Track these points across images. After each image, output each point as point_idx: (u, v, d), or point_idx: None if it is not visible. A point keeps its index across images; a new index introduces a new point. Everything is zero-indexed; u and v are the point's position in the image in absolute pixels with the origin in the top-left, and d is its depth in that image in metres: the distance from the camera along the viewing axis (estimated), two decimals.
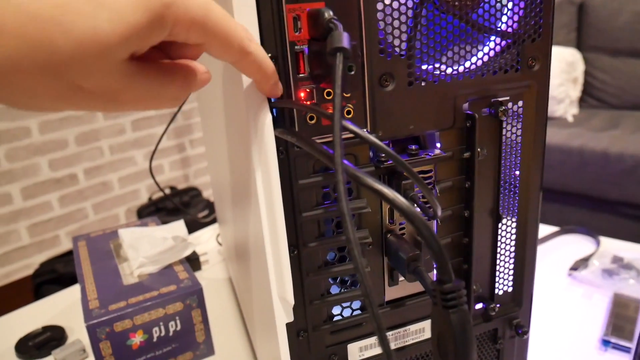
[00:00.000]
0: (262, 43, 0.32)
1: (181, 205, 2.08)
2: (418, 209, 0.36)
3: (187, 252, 0.73)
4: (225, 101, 0.41)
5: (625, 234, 1.54)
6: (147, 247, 0.73)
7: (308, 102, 0.34)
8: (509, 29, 0.38)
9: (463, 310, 0.27)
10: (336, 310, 0.41)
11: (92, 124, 2.03)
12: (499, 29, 0.38)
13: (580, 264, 0.82)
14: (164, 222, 0.90)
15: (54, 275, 1.60)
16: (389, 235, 0.40)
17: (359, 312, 0.42)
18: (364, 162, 0.37)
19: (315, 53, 0.33)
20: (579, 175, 1.56)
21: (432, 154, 0.39)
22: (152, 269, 0.70)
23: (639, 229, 1.57)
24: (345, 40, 0.26)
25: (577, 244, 0.91)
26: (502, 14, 0.38)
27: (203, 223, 1.98)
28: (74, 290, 0.86)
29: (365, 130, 0.36)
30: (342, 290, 0.41)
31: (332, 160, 0.26)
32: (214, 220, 1.05)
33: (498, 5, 0.37)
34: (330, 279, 0.40)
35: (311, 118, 0.34)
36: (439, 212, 0.33)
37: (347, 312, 0.41)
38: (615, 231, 1.57)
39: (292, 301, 0.37)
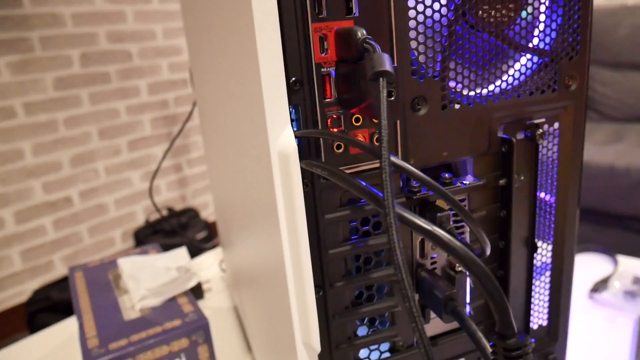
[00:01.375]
0: (286, 65, 0.29)
1: (179, 227, 2.04)
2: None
3: (192, 284, 0.69)
4: (236, 120, 0.38)
5: (633, 248, 1.52)
6: (149, 279, 0.70)
7: (335, 130, 0.31)
8: (546, 47, 0.36)
9: None
10: (363, 353, 0.38)
11: (87, 145, 1.99)
12: (535, 47, 0.35)
13: (600, 286, 0.78)
14: (162, 245, 0.87)
15: (49, 303, 1.55)
16: (420, 270, 0.37)
17: (387, 354, 0.38)
18: (394, 193, 0.34)
19: (343, 76, 0.30)
20: (585, 190, 1.54)
21: (467, 183, 0.36)
22: (154, 302, 0.66)
23: None
24: (387, 63, 0.23)
25: (593, 264, 0.88)
26: (539, 31, 0.35)
27: (202, 244, 1.94)
28: (71, 323, 0.82)
29: (398, 158, 0.32)
30: (370, 331, 0.37)
31: (379, 203, 0.23)
32: (212, 241, 1.01)
33: (535, 21, 0.35)
34: (357, 320, 0.37)
35: (338, 147, 0.31)
36: (488, 251, 0.30)
37: (375, 355, 0.38)
38: (623, 246, 1.54)
39: (318, 348, 0.33)
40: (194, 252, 1.03)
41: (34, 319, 1.51)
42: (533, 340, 0.44)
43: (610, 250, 0.89)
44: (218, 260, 0.97)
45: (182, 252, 0.80)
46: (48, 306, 1.54)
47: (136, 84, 2.13)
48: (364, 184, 0.25)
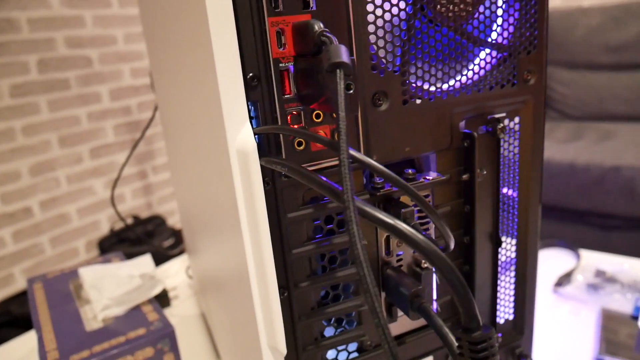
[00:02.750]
0: (242, 61, 0.28)
1: (145, 235, 2.00)
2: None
3: (157, 291, 0.67)
4: (195, 121, 0.37)
5: (595, 242, 1.56)
6: (111, 287, 0.68)
7: (296, 126, 0.30)
8: (504, 41, 0.36)
9: None
10: (331, 354, 0.37)
11: (46, 153, 1.93)
12: (494, 41, 0.36)
13: (564, 280, 0.80)
14: (128, 255, 0.84)
15: (9, 318, 1.49)
16: (386, 268, 0.36)
17: (355, 354, 0.38)
18: (357, 190, 0.34)
19: (302, 71, 0.29)
20: (547, 188, 1.58)
21: (430, 178, 0.35)
22: (117, 311, 0.64)
23: (606, 237, 1.59)
24: (344, 55, 0.22)
25: (556, 259, 0.90)
26: (497, 25, 0.35)
27: (169, 252, 1.90)
28: (30, 337, 0.78)
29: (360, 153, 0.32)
30: (337, 332, 0.37)
31: (339, 197, 0.22)
32: (180, 249, 0.99)
33: (493, 16, 0.35)
34: (324, 321, 0.36)
35: (299, 144, 0.30)
36: (452, 245, 0.30)
37: (343, 356, 0.37)
38: (584, 241, 1.58)
39: (284, 351, 0.33)
40: (162, 260, 1.00)
41: None
42: (500, 335, 0.44)
43: (573, 245, 0.91)
44: (184, 267, 0.95)
45: (146, 260, 0.78)
46: (8, 321, 1.48)
47: (97, 90, 2.07)
48: (324, 179, 0.25)
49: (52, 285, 0.75)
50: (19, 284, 1.87)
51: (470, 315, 0.22)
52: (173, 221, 2.40)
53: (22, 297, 1.64)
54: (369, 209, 0.22)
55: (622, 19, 1.94)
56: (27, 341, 0.77)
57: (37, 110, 1.89)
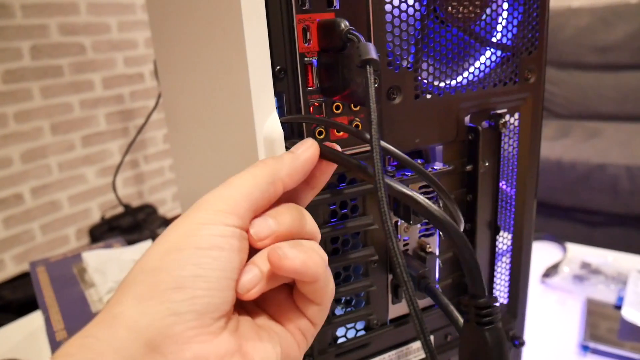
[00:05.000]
0: (272, 54, 0.30)
1: (136, 224, 2.00)
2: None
3: None
4: (219, 109, 0.39)
5: (579, 237, 1.60)
6: (116, 271, 0.69)
7: (317, 116, 0.32)
8: (508, 42, 0.39)
9: (498, 328, 0.26)
10: (340, 332, 0.39)
11: (38, 140, 1.92)
12: (498, 42, 0.38)
13: (552, 271, 0.83)
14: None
15: (1, 303, 1.50)
16: None
17: (363, 332, 0.40)
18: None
19: (325, 65, 0.31)
20: None
21: (437, 168, 0.38)
22: None
23: (590, 232, 1.64)
24: (373, 52, 0.24)
25: (544, 251, 0.93)
26: (502, 27, 0.38)
27: None
28: (31, 320, 0.80)
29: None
30: (346, 310, 0.39)
31: (369, 175, 0.25)
32: None
33: (498, 17, 0.37)
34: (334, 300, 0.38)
35: (320, 133, 0.33)
36: (462, 227, 0.32)
37: (351, 334, 0.40)
38: (570, 236, 1.63)
39: None
40: None
41: None
42: None
43: (559, 239, 0.95)
44: None
45: (147, 246, 0.80)
46: (1, 306, 1.49)
47: (90, 77, 2.07)
48: (348, 156, 0.27)
49: (56, 268, 0.77)
50: (9, 270, 1.87)
51: (478, 283, 0.25)
52: (164, 210, 2.41)
53: (14, 283, 1.65)
54: (395, 184, 0.24)
55: (610, 20, 1.98)
56: (29, 323, 0.78)
57: (30, 97, 1.88)
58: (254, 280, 0.24)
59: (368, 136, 0.25)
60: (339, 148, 0.30)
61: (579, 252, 0.91)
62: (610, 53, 1.99)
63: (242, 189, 0.25)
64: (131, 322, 0.22)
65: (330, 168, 0.29)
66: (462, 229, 0.32)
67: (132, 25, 2.21)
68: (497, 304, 0.26)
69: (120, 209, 2.12)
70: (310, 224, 0.27)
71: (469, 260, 0.23)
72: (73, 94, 2.02)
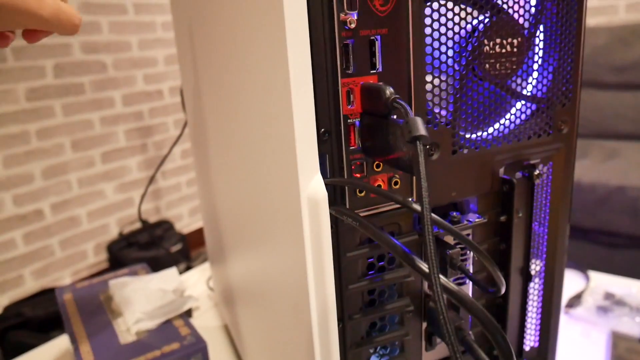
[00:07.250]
0: (317, 117, 0.31)
1: (153, 240, 2.02)
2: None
3: (187, 306, 0.70)
4: (260, 161, 0.40)
5: (599, 259, 1.59)
6: (143, 302, 0.70)
7: (358, 175, 0.33)
8: (542, 95, 0.39)
9: None
10: None
11: (59, 156, 1.96)
12: (533, 95, 0.39)
13: (575, 301, 0.83)
14: (137, 258, 0.87)
15: (21, 320, 1.52)
16: (428, 301, 0.39)
17: None
18: (407, 230, 0.37)
19: (367, 126, 0.32)
20: None
21: (473, 220, 0.39)
22: (150, 324, 0.66)
23: (611, 254, 1.62)
24: (422, 128, 0.25)
25: (566, 280, 0.92)
26: (536, 80, 0.39)
27: (176, 257, 1.93)
28: (56, 345, 0.80)
29: (411, 200, 0.35)
30: (382, 359, 0.40)
31: (411, 262, 0.25)
32: (186, 254, 1.02)
33: (535, 73, 0.38)
34: (370, 349, 0.39)
35: (360, 191, 0.34)
36: (503, 289, 0.33)
37: None
38: (590, 258, 1.62)
39: None
40: (169, 264, 1.02)
41: (7, 337, 1.48)
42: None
43: (579, 263, 0.94)
44: (204, 278, 0.97)
45: (172, 273, 0.81)
46: (20, 322, 1.50)
47: (111, 95, 2.11)
48: (395, 241, 0.28)
49: (83, 296, 0.77)
50: (28, 286, 1.89)
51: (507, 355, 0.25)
52: (180, 226, 2.43)
53: (33, 300, 1.67)
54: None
55: (628, 40, 1.98)
56: (53, 347, 0.79)
57: (52, 114, 1.92)
58: None
59: (418, 208, 0.25)
60: None
61: (601, 281, 0.90)
62: (629, 72, 1.98)
63: None
64: None
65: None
66: (503, 290, 0.33)
67: (152, 43, 2.25)
68: None
69: (137, 225, 2.14)
70: None
71: (504, 348, 0.24)
72: (94, 111, 2.05)
